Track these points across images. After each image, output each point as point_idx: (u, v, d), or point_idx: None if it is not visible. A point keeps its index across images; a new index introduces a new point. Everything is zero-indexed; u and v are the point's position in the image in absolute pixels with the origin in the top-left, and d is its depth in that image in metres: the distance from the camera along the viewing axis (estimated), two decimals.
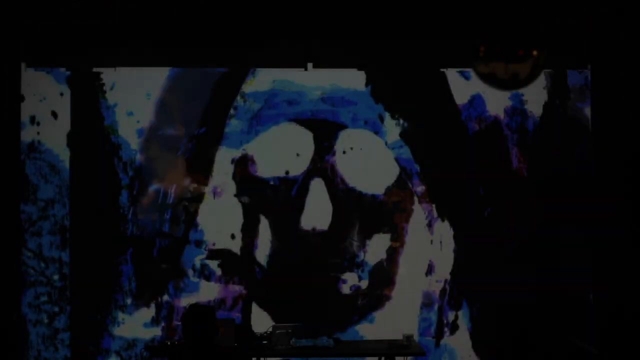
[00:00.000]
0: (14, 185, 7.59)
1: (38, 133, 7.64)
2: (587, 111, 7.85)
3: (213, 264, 7.71)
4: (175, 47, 7.60)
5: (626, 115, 7.60)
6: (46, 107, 7.66)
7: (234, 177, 7.75)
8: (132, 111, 7.71)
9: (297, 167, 7.77)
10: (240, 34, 7.57)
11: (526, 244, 7.78)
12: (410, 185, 7.79)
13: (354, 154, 7.78)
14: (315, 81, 7.77)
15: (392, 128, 7.78)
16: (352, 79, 7.78)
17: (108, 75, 7.69)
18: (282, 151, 7.77)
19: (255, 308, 7.39)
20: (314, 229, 7.76)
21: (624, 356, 6.43)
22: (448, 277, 7.78)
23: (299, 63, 7.72)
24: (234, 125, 7.75)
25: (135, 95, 7.71)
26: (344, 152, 7.78)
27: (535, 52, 4.27)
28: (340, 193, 7.76)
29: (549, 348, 7.34)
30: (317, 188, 7.76)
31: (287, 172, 7.76)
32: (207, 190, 7.74)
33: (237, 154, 7.74)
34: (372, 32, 7.56)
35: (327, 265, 7.73)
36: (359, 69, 7.77)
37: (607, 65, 7.69)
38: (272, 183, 7.75)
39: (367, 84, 7.79)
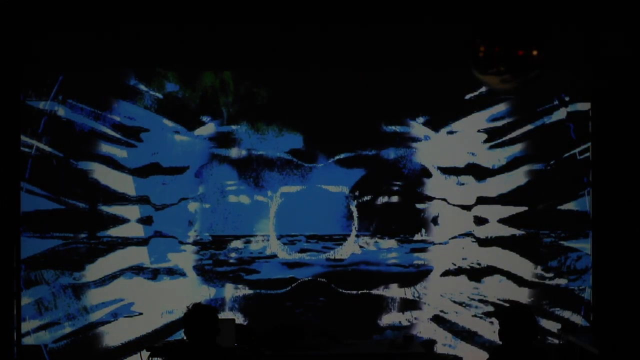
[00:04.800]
0: (15, 185, 7.62)
1: (40, 133, 7.66)
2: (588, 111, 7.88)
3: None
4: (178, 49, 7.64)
5: (626, 115, 7.61)
6: (47, 107, 7.68)
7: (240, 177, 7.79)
8: (134, 112, 7.74)
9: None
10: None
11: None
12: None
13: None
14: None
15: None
16: None
17: (110, 75, 7.72)
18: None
19: None
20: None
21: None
22: None
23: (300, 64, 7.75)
24: (235, 125, 7.78)
25: (137, 96, 7.74)
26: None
27: (535, 52, 4.26)
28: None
29: None
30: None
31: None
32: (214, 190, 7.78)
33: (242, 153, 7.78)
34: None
35: None
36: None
37: (607, 66, 7.69)
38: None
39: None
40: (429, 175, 7.84)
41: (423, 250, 7.83)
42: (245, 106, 7.79)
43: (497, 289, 7.83)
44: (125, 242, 7.73)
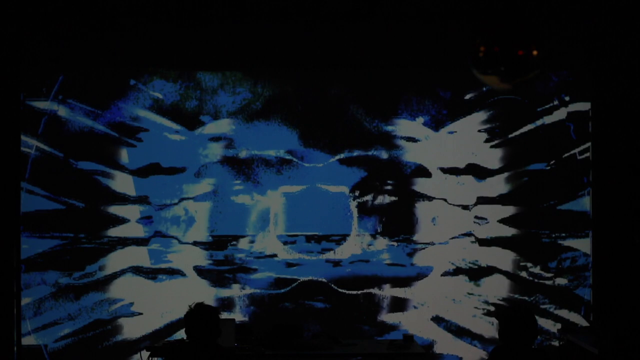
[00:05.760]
0: (15, 185, 7.62)
1: (40, 133, 7.66)
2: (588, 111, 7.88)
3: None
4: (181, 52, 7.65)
5: (626, 116, 7.61)
6: (47, 107, 7.68)
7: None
8: (134, 112, 7.74)
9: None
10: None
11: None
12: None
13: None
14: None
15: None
16: None
17: (109, 75, 7.72)
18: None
19: None
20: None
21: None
22: None
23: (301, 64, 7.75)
24: (235, 125, 7.77)
25: (137, 96, 7.74)
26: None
27: (535, 52, 4.26)
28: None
29: None
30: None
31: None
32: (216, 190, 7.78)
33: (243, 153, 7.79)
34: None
35: None
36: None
37: (607, 67, 7.69)
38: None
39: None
40: (428, 175, 7.84)
41: (423, 250, 7.83)
42: (244, 106, 7.79)
43: (497, 289, 7.83)
44: (125, 242, 7.74)
